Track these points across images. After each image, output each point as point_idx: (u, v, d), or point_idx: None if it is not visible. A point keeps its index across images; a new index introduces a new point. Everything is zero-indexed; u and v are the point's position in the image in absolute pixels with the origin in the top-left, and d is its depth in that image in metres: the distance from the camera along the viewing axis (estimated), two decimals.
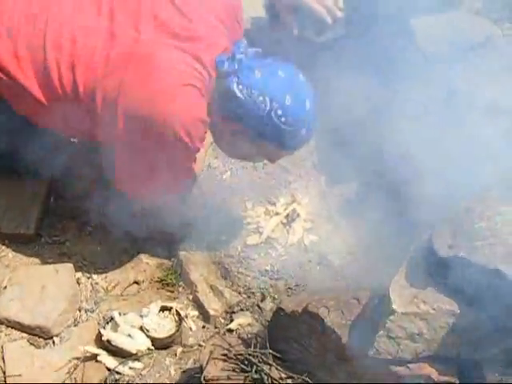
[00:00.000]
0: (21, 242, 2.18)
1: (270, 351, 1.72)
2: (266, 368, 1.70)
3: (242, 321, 1.97)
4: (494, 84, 1.90)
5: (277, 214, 2.17)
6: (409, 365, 1.57)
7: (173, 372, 1.90)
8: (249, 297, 2.03)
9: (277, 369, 1.70)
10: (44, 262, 2.14)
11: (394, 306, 1.52)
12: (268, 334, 1.77)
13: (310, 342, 1.71)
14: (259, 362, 1.71)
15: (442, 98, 1.97)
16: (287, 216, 2.16)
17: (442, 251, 1.54)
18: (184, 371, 1.90)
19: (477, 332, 1.52)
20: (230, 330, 1.97)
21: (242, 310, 2.01)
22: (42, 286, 2.05)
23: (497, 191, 1.66)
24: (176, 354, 1.94)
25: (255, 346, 1.75)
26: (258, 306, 1.99)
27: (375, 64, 2.07)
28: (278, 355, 1.73)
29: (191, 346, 1.95)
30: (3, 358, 1.93)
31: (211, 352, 1.77)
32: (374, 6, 2.13)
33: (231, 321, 1.99)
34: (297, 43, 2.22)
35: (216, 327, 1.99)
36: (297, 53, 2.21)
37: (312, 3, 2.13)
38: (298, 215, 2.16)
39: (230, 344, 1.79)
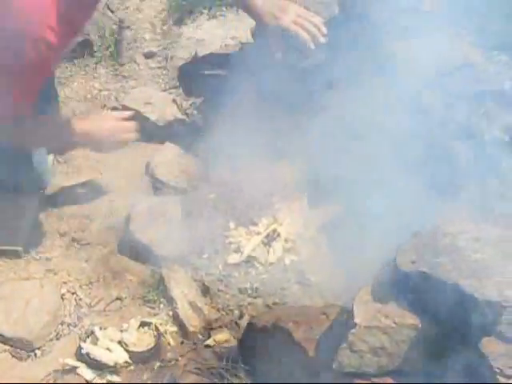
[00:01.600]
0: (8, 258, 2.23)
1: (241, 365, 1.75)
2: (236, 382, 1.72)
3: (219, 337, 1.99)
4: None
5: (258, 233, 2.21)
6: (372, 379, 1.59)
7: None
8: (227, 314, 2.06)
9: (246, 383, 1.73)
10: (30, 277, 2.18)
11: (357, 320, 1.55)
12: (240, 349, 1.80)
13: (280, 355, 1.73)
14: (230, 375, 1.74)
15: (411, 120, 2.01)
16: (268, 236, 2.20)
17: (404, 266, 1.57)
18: None
19: (438, 346, 1.54)
20: (208, 346, 1.99)
21: (220, 326, 2.03)
22: (26, 301, 2.09)
23: (463, 211, 1.70)
24: (154, 369, 1.97)
25: (227, 361, 1.79)
26: (236, 323, 2.02)
27: (354, 84, 2.11)
28: (249, 369, 1.76)
29: (169, 361, 1.98)
30: None
31: (185, 365, 1.80)
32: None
33: (209, 337, 2.01)
34: (280, 68, 2.27)
35: (194, 343, 2.01)
36: (279, 77, 2.28)
37: (296, 29, 2.19)
38: (279, 235, 2.20)
39: (204, 358, 1.82)
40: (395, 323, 1.54)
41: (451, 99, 1.95)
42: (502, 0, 2.62)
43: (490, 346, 1.49)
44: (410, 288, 1.56)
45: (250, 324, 1.79)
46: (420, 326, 1.54)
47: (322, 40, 2.19)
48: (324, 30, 2.20)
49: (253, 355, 1.78)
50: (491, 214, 1.71)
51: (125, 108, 2.62)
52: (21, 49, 1.77)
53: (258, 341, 1.75)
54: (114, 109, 2.73)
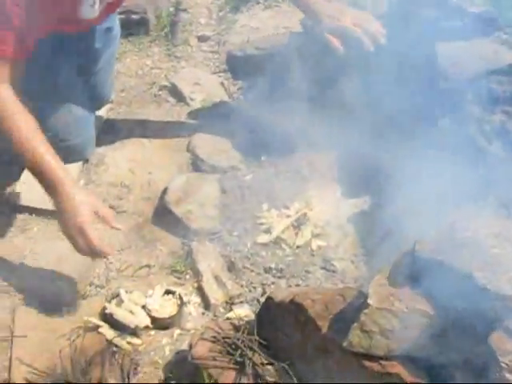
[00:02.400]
0: (47, 218, 2.33)
1: (256, 338, 1.81)
2: (249, 353, 1.78)
3: (239, 312, 2.05)
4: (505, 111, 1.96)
5: (288, 216, 2.26)
6: (381, 361, 1.63)
7: (167, 352, 2.00)
8: (250, 291, 2.12)
9: (259, 355, 1.78)
10: (64, 238, 2.27)
11: (370, 301, 1.59)
12: (257, 322, 1.86)
13: (294, 331, 1.78)
14: (244, 346, 1.79)
15: (454, 121, 2.05)
16: (298, 219, 2.25)
17: (422, 254, 1.60)
18: (177, 352, 1.99)
19: (447, 336, 1.57)
20: (228, 319, 2.05)
21: (241, 302, 2.09)
22: (57, 259, 2.18)
23: (490, 208, 1.73)
24: (173, 336, 2.04)
25: (243, 332, 1.84)
26: (258, 300, 2.08)
27: (398, 81, 2.15)
28: (264, 342, 1.81)
29: (188, 330, 2.05)
30: (13, 320, 2.06)
31: (202, 333, 1.87)
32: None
33: (230, 311, 2.07)
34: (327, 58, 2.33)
35: (215, 315, 2.08)
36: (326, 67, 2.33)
37: (358, 32, 2.23)
38: (309, 220, 2.25)
39: (221, 328, 1.88)
40: (407, 308, 1.57)
41: (489, 99, 1.97)
42: None
43: (499, 341, 1.51)
44: (425, 275, 1.59)
45: (268, 298, 1.84)
46: (431, 313, 1.57)
47: (382, 41, 2.23)
48: (383, 31, 2.24)
49: (268, 328, 1.84)
50: None
51: (173, 87, 2.71)
52: None
53: (275, 315, 1.80)
54: (162, 88, 2.80)
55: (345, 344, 1.63)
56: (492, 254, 1.57)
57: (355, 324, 1.61)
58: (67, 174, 1.93)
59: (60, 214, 1.93)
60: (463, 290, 1.53)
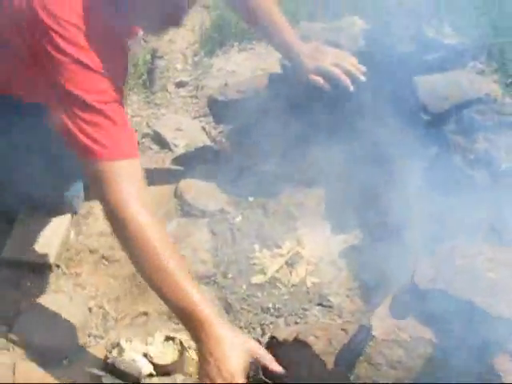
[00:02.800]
0: (39, 272, 2.35)
1: (262, 377, 1.84)
2: None
3: (249, 340, 2.08)
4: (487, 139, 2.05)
5: (281, 255, 2.31)
6: None
7: None
8: (249, 331, 2.15)
9: None
10: (59, 291, 2.30)
11: (375, 333, 1.65)
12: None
13: (300, 369, 1.83)
14: None
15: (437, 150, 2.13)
16: (291, 258, 2.30)
17: (422, 284, 1.67)
18: None
19: (453, 362, 1.63)
20: None
21: None
22: (55, 312, 2.20)
23: (481, 234, 1.80)
24: (176, 381, 2.06)
25: (248, 374, 1.87)
26: (258, 340, 2.11)
27: (379, 116, 2.23)
28: (269, 382, 1.85)
29: (191, 375, 2.07)
30: (14, 376, 2.07)
31: None
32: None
33: None
34: (308, 96, 2.40)
35: None
36: (308, 106, 2.41)
37: (337, 72, 2.31)
38: (302, 258, 2.30)
39: None
40: (411, 337, 1.63)
41: (470, 129, 2.05)
42: None
43: (504, 364, 1.57)
44: (426, 304, 1.65)
45: (271, 338, 1.89)
46: (435, 341, 1.63)
47: (362, 79, 2.31)
48: (363, 68, 2.32)
49: None
50: (506, 238, 1.81)
51: (156, 134, 2.77)
52: None
53: (279, 353, 1.84)
54: (145, 136, 2.86)
55: (352, 378, 1.67)
56: (489, 279, 1.63)
57: (361, 357, 1.66)
58: (214, 310, 1.72)
59: (205, 358, 1.68)
60: (464, 315, 1.59)
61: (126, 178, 1.75)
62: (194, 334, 1.70)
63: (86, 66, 1.71)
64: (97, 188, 1.79)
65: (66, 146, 1.79)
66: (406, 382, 1.65)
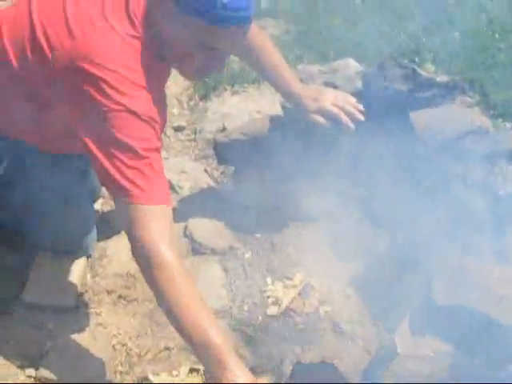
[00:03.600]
0: (61, 314, 2.49)
1: None
2: None
3: (262, 381, 2.24)
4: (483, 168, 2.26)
5: (293, 287, 2.49)
6: None
7: None
8: (269, 360, 2.31)
9: None
10: (82, 331, 2.44)
11: (399, 350, 1.82)
12: None
13: None
14: None
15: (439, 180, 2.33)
16: (303, 289, 2.47)
17: (439, 300, 1.85)
18: None
19: (473, 373, 1.81)
20: None
21: (262, 372, 2.29)
22: (80, 351, 2.34)
23: (488, 254, 2.00)
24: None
25: None
26: (278, 367, 2.27)
27: (378, 152, 2.43)
28: None
29: None
30: None
31: None
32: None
33: None
34: (311, 137, 2.60)
35: None
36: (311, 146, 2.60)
37: (337, 111, 2.50)
38: (313, 288, 2.48)
39: None
40: (434, 352, 1.81)
41: (467, 159, 2.26)
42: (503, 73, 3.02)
43: None
44: (444, 320, 1.83)
45: (298, 362, 2.05)
46: (455, 354, 1.80)
47: (361, 118, 2.50)
48: (361, 107, 2.52)
49: None
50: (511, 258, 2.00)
51: None
52: None
53: (306, 376, 2.00)
54: None
55: None
56: (500, 295, 1.82)
57: (386, 373, 1.82)
58: (233, 353, 1.80)
59: None
60: (480, 328, 1.77)
61: (159, 221, 1.91)
62: (210, 370, 1.80)
63: (135, 114, 1.87)
64: (128, 227, 1.95)
65: (101, 183, 1.95)
66: None
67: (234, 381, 1.74)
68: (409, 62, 3.16)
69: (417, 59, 3.45)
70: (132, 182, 1.86)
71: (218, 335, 1.79)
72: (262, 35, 2.51)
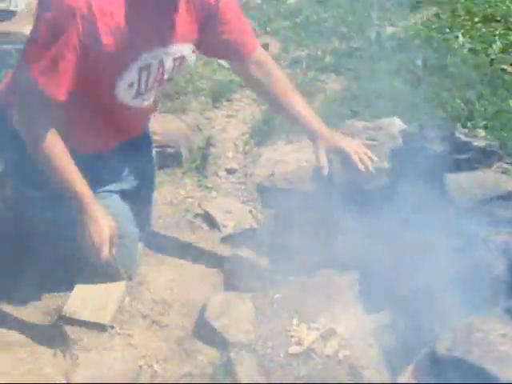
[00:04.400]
0: (96, 330, 2.69)
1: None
2: None
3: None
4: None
5: (317, 329, 2.63)
6: None
7: None
8: None
9: None
10: (113, 349, 2.63)
11: None
12: None
13: None
14: None
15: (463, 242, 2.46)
16: (326, 332, 2.61)
17: (441, 352, 1.98)
18: None
19: None
20: None
21: None
22: (108, 367, 2.52)
23: (496, 312, 2.11)
24: None
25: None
26: None
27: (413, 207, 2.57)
28: None
29: None
30: None
31: None
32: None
33: None
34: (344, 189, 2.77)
35: None
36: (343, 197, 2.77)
37: (355, 159, 2.67)
38: (335, 332, 2.61)
39: None
40: None
41: (494, 222, 2.39)
42: None
43: None
44: (444, 371, 1.95)
45: None
46: None
47: (372, 170, 2.66)
48: (375, 158, 2.68)
49: None
50: None
51: (207, 214, 3.16)
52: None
53: None
54: (197, 216, 3.23)
55: None
56: (501, 351, 1.94)
57: None
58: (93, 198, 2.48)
59: (83, 225, 2.49)
60: (477, 380, 1.89)
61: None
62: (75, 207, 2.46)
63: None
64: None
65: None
66: None
67: (97, 210, 2.47)
68: (461, 126, 3.31)
69: (469, 124, 3.57)
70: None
71: (81, 186, 2.44)
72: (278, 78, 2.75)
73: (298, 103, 2.75)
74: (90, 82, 2.36)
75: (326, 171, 2.69)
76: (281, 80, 2.77)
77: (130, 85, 2.47)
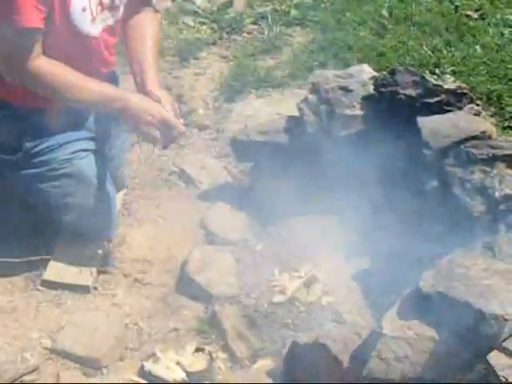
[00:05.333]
0: (79, 292, 2.68)
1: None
2: None
3: (264, 362, 2.41)
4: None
5: (299, 277, 2.65)
6: None
7: None
8: (271, 344, 2.47)
9: None
10: (97, 309, 2.63)
11: (385, 331, 1.97)
12: (285, 362, 2.22)
13: (319, 369, 2.14)
14: None
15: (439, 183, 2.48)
16: (308, 280, 2.63)
17: (425, 289, 2.00)
18: None
19: (454, 358, 1.95)
20: None
21: (265, 354, 2.45)
22: (94, 327, 2.51)
23: (476, 249, 2.14)
24: None
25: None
26: (279, 351, 2.43)
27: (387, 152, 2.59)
28: (291, 381, 2.17)
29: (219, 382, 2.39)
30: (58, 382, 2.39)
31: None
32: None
33: (255, 363, 2.43)
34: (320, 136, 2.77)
35: (241, 367, 2.43)
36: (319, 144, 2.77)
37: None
38: (318, 280, 2.63)
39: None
40: (417, 335, 1.95)
41: (468, 162, 2.41)
42: None
43: (497, 358, 1.89)
44: (429, 307, 1.98)
45: (293, 342, 2.21)
46: (438, 338, 1.95)
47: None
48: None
49: (295, 368, 2.19)
50: (500, 255, 2.14)
51: (182, 172, 3.14)
52: None
53: (301, 355, 2.16)
54: (172, 173, 3.22)
55: (365, 373, 1.99)
56: (483, 285, 1.97)
57: (373, 352, 1.98)
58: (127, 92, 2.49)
59: (138, 116, 2.43)
60: (462, 316, 1.92)
61: None
62: (122, 108, 2.44)
63: None
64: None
65: None
66: (411, 375, 1.96)
67: (141, 98, 2.45)
68: (429, 73, 3.32)
69: (437, 71, 3.58)
70: None
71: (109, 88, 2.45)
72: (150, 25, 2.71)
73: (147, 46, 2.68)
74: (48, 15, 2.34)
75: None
76: (148, 24, 2.71)
77: (83, 9, 2.43)
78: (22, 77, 2.37)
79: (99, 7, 2.47)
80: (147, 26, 2.69)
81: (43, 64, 2.36)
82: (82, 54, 2.49)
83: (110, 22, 2.55)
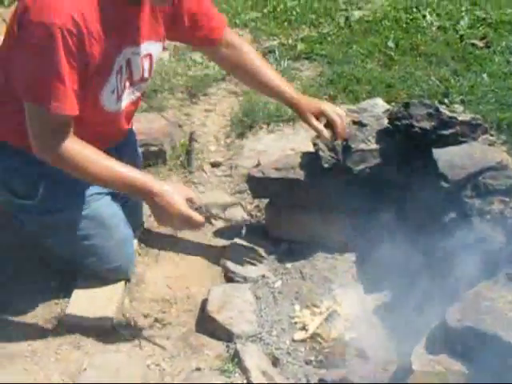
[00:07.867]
0: (99, 335, 2.69)
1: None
2: None
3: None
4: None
5: (320, 313, 2.66)
6: None
7: None
8: (295, 381, 2.47)
9: None
10: (118, 351, 2.63)
11: (414, 367, 1.98)
12: None
13: None
14: None
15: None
16: (329, 315, 2.64)
17: (452, 323, 2.01)
18: None
19: None
20: None
21: None
22: (116, 369, 2.52)
23: (502, 281, 2.16)
24: None
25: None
26: None
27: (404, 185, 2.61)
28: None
29: None
30: None
31: None
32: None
33: None
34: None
35: None
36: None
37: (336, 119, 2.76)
38: (339, 315, 2.65)
39: None
40: (446, 369, 1.96)
41: (486, 193, 2.43)
42: None
43: None
44: (457, 341, 1.99)
45: (320, 379, 2.22)
46: (466, 372, 1.96)
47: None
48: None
49: None
50: None
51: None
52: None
53: None
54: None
55: None
56: (510, 317, 1.98)
57: None
58: (152, 178, 2.49)
59: (160, 210, 2.44)
60: (492, 349, 1.93)
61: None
62: (145, 198, 2.46)
63: None
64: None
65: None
66: None
67: (164, 192, 2.41)
68: (438, 103, 3.36)
69: (446, 101, 3.63)
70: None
71: (137, 174, 2.44)
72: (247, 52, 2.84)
73: (271, 74, 2.85)
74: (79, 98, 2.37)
75: (326, 135, 2.75)
76: (252, 55, 2.86)
77: (112, 91, 2.49)
78: (52, 157, 2.40)
79: (127, 83, 2.53)
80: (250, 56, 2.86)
81: (74, 147, 2.38)
82: (100, 125, 2.56)
83: (136, 94, 2.64)
